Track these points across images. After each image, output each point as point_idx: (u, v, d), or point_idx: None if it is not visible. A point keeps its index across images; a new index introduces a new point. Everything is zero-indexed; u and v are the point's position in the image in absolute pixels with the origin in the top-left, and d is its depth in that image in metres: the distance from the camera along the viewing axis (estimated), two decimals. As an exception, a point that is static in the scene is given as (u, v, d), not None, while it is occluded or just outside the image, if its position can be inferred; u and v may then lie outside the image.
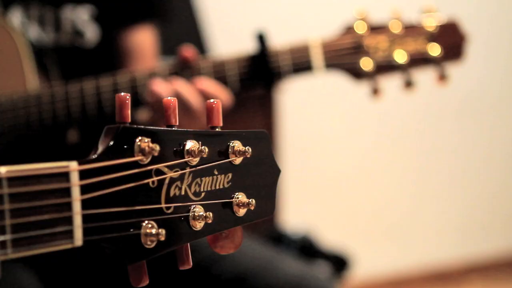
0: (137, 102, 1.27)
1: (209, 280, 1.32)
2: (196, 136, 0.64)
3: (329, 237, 2.56)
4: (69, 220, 0.58)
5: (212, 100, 0.68)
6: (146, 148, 0.60)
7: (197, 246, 1.29)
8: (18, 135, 1.31)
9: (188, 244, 0.66)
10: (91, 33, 1.44)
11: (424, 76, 1.29)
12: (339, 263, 2.32)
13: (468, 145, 3.57)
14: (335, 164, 3.32)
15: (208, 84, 1.23)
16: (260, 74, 1.26)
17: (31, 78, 1.33)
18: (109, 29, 1.47)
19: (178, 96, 1.21)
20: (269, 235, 2.32)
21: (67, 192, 0.58)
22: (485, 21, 3.51)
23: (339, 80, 1.31)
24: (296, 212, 3.05)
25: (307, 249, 2.29)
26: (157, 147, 0.60)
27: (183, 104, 1.21)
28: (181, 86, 1.22)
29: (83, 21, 1.44)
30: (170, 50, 2.50)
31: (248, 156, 0.67)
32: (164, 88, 1.21)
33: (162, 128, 0.62)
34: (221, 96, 1.22)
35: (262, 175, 0.68)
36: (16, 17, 1.41)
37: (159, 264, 1.19)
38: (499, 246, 3.70)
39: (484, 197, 3.63)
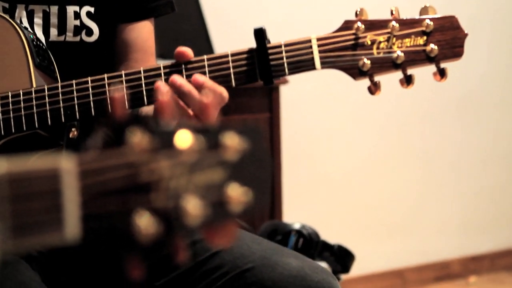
0: (138, 100, 1.28)
1: (207, 273, 1.33)
2: (189, 129, 0.65)
3: (330, 234, 2.56)
4: (63, 219, 0.59)
5: (205, 98, 0.69)
6: (139, 142, 0.61)
7: (193, 238, 1.30)
8: (18, 132, 1.32)
9: (184, 238, 0.67)
10: (93, 29, 1.45)
11: (425, 73, 1.30)
12: (342, 258, 2.33)
13: (470, 143, 3.58)
14: (336, 162, 3.32)
15: (205, 79, 1.25)
16: (258, 69, 1.27)
17: (37, 76, 1.34)
18: (108, 27, 1.48)
19: (180, 91, 1.22)
20: (269, 231, 2.33)
21: (60, 192, 0.59)
22: (487, 19, 3.51)
23: (339, 77, 1.32)
24: (297, 210, 3.06)
25: (309, 243, 2.29)
26: (150, 141, 0.61)
27: (187, 100, 1.22)
28: (181, 81, 1.23)
29: (85, 18, 1.45)
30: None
31: (241, 149, 0.67)
32: (165, 86, 1.23)
33: (155, 121, 0.63)
34: (218, 90, 1.24)
35: (256, 168, 0.69)
36: (21, 16, 1.42)
37: (155, 257, 1.20)
38: (501, 243, 3.70)
39: (486, 194, 3.63)
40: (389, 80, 1.30)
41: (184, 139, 0.64)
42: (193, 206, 0.65)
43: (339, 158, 3.32)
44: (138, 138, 0.61)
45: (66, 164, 0.58)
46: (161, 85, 1.23)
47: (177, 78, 1.24)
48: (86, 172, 0.59)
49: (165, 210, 0.63)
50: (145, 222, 0.62)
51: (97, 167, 0.60)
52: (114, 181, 0.60)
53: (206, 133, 0.66)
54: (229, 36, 2.81)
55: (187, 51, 1.27)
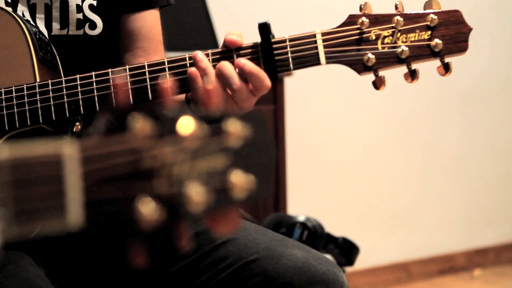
0: (143, 95, 1.28)
1: (212, 264, 1.33)
2: (192, 116, 0.65)
3: (335, 227, 2.57)
4: (65, 205, 0.59)
5: (209, 83, 0.69)
6: (141, 127, 0.61)
7: (198, 229, 1.30)
8: (22, 127, 1.32)
9: (187, 225, 0.67)
10: (96, 22, 1.45)
11: (428, 66, 1.29)
12: (346, 250, 2.33)
13: (474, 135, 3.58)
14: (340, 154, 3.32)
15: (247, 62, 1.25)
16: (263, 64, 1.27)
17: (40, 70, 1.35)
18: (111, 18, 1.48)
19: (219, 73, 1.24)
20: (274, 223, 2.33)
21: (63, 178, 0.59)
22: (489, 11, 3.51)
23: (343, 69, 1.32)
24: (301, 202, 3.06)
25: (313, 235, 2.30)
26: (152, 127, 0.61)
27: (226, 85, 1.24)
28: (224, 63, 1.24)
29: (87, 11, 1.44)
30: (185, 42, 2.51)
31: (244, 136, 0.67)
32: (207, 61, 1.24)
33: (157, 108, 0.63)
34: (259, 74, 1.25)
35: (259, 155, 0.69)
36: (22, 10, 1.42)
37: (160, 245, 1.20)
38: (506, 236, 3.70)
39: (490, 187, 3.64)
40: (393, 73, 1.30)
41: (186, 125, 0.64)
42: (196, 193, 0.65)
43: (344, 150, 3.32)
44: (140, 124, 0.61)
45: (69, 150, 0.58)
46: (209, 68, 1.24)
47: (230, 63, 1.25)
48: (88, 158, 0.59)
49: (168, 197, 0.63)
50: (148, 209, 0.62)
51: (100, 153, 0.60)
52: (116, 167, 0.60)
53: (209, 119, 0.66)
54: (234, 29, 2.80)
55: (238, 39, 1.28)
